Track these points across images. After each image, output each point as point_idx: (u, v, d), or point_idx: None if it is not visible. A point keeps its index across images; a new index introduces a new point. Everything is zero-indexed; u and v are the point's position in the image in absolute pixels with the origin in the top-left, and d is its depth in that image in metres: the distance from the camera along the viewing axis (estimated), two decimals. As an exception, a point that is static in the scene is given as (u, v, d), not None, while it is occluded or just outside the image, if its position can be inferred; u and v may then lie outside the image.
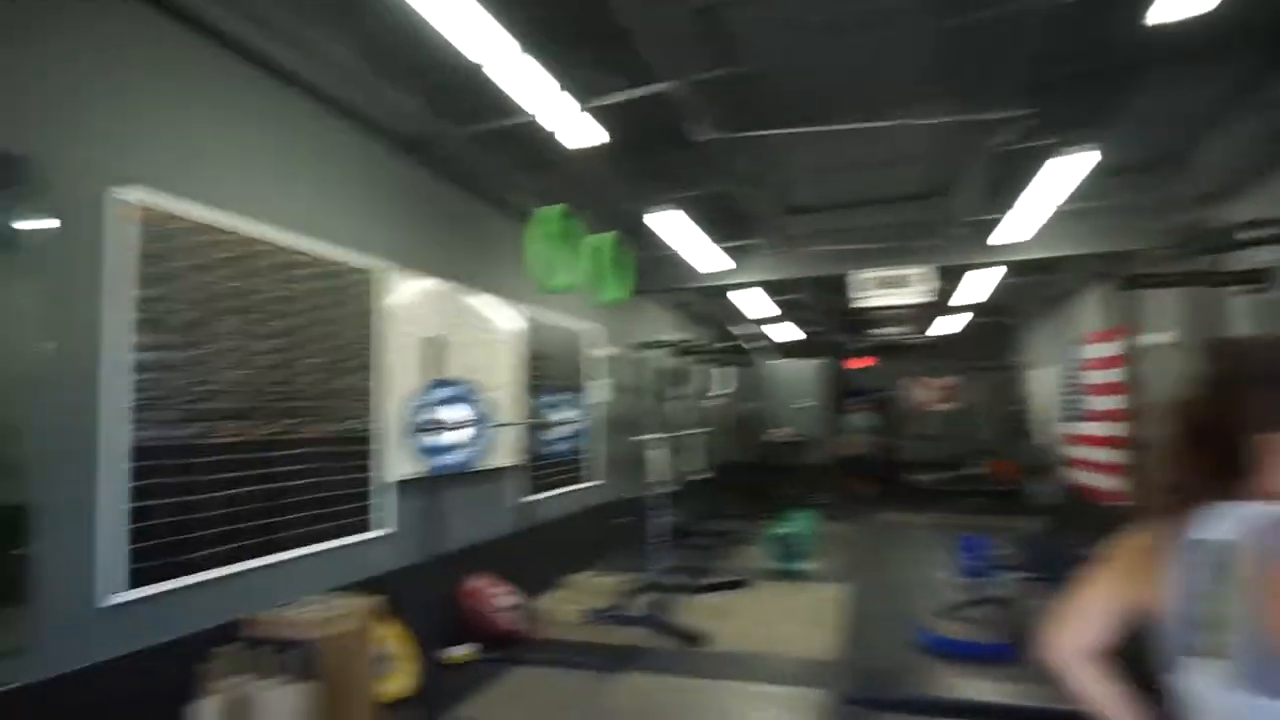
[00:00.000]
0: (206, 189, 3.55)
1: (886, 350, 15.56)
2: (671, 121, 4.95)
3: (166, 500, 3.28)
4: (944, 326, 13.02)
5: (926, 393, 15.78)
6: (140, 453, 3.18)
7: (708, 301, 11.37)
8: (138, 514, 3.17)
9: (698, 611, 6.08)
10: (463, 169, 5.61)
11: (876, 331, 13.76)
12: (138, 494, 3.16)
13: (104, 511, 3.05)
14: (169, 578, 3.29)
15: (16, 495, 2.86)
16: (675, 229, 6.71)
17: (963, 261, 7.93)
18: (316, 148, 4.32)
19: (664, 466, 7.01)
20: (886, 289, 8.13)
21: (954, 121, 5.06)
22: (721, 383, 11.92)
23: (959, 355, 15.02)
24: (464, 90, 4.41)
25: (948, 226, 7.39)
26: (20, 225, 2.94)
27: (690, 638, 5.43)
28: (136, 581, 3.16)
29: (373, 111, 4.62)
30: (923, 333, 13.78)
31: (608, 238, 5.37)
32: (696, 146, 5.25)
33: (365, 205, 4.69)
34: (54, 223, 2.95)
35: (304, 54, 3.96)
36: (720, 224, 7.40)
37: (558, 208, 4.93)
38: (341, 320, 4.35)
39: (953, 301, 10.47)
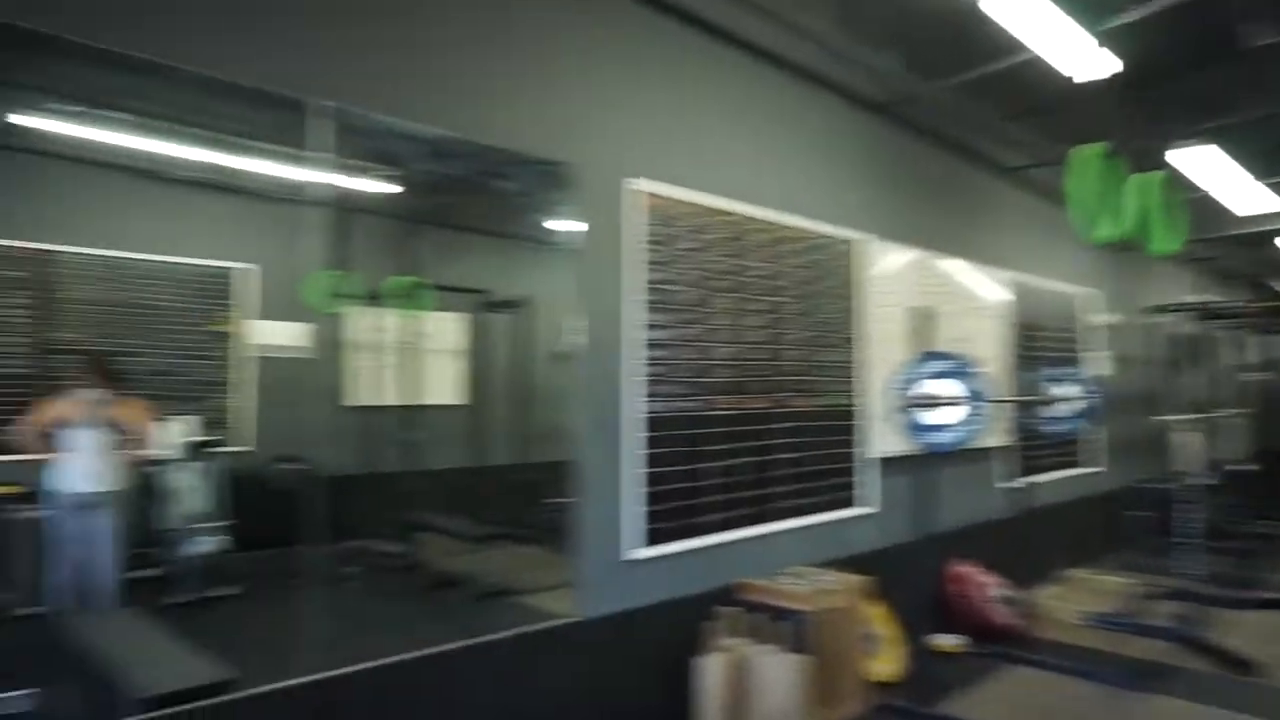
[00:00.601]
0: (698, 174, 3.74)
1: None
2: (1209, 32, 4.03)
3: (674, 468, 3.55)
4: None
5: None
6: (652, 423, 3.46)
7: (1239, 253, 9.32)
8: (650, 479, 3.46)
9: (1241, 631, 4.98)
10: (940, 126, 5.24)
11: None
12: (650, 460, 3.46)
13: (626, 475, 3.39)
14: (676, 539, 3.55)
15: (566, 455, 3.33)
16: (1204, 166, 5.53)
17: None
18: (793, 122, 4.32)
19: (1194, 453, 5.87)
20: None
21: None
22: (1263, 353, 9.71)
23: None
24: (945, 39, 4.07)
25: None
26: (556, 224, 3.38)
27: (1238, 663, 4.46)
28: (651, 540, 3.45)
29: (845, 77, 4.49)
30: None
31: (1154, 178, 4.51)
32: (1239, 59, 4.22)
33: (841, 175, 4.60)
34: (582, 218, 3.31)
35: (780, 28, 3.97)
36: (1269, 155, 5.94)
37: (1098, 146, 4.25)
38: (824, 294, 4.32)
39: None
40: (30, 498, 4.11)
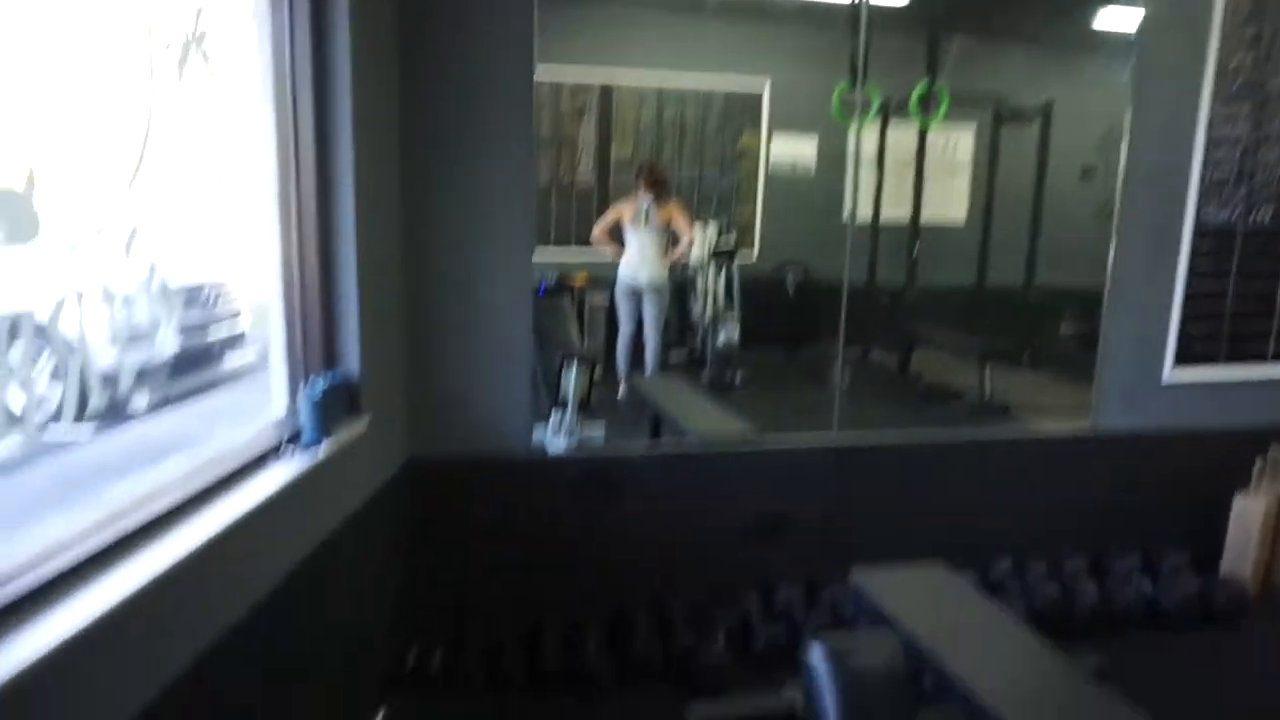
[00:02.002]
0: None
1: None
2: None
3: (1224, 286, 3.10)
4: None
5: None
6: (1204, 235, 3.03)
7: None
8: (1192, 297, 3.07)
9: None
10: None
11: None
12: (1193, 277, 3.06)
13: (1169, 291, 3.06)
14: (1216, 362, 3.14)
15: (1081, 277, 3.11)
16: None
17: None
18: None
19: None
20: None
21: None
22: None
23: None
24: None
25: None
26: (1100, 18, 2.99)
27: None
28: (1183, 361, 3.10)
29: None
30: None
31: None
32: None
33: None
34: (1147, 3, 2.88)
35: None
36: None
37: None
38: None
39: None
40: (600, 284, 5.09)
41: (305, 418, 1.87)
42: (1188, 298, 3.07)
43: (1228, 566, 3.10)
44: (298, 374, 2.01)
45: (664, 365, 5.11)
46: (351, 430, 2.01)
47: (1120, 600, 2.82)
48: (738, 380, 5.27)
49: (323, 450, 1.85)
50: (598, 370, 3.66)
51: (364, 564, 2.17)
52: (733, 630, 2.57)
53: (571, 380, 3.60)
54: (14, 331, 1.40)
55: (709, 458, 2.87)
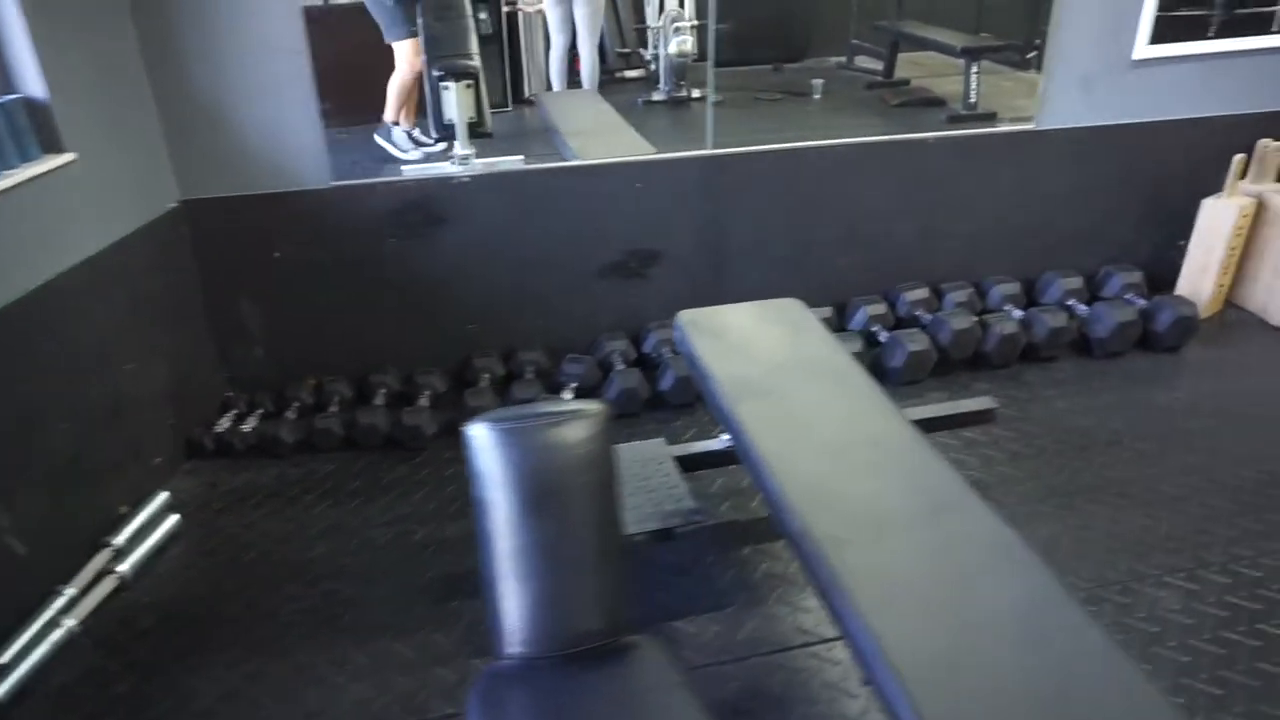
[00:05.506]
0: None
1: None
2: None
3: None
4: None
5: None
6: None
7: None
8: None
9: None
10: None
11: None
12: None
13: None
14: (1189, 38, 2.53)
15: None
16: None
17: None
18: None
19: None
20: None
21: None
22: None
23: None
24: None
25: None
26: None
27: None
28: (1162, 37, 2.49)
29: None
30: None
31: None
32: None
33: None
34: None
35: None
36: None
37: None
38: None
39: None
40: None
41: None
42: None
43: (1187, 285, 2.69)
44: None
45: (612, 82, 4.50)
46: (43, 167, 1.63)
47: (1040, 330, 2.46)
48: (692, 94, 4.65)
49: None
50: (484, 87, 3.14)
51: (129, 332, 1.88)
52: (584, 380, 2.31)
53: (452, 100, 3.10)
54: None
55: (556, 175, 2.43)
